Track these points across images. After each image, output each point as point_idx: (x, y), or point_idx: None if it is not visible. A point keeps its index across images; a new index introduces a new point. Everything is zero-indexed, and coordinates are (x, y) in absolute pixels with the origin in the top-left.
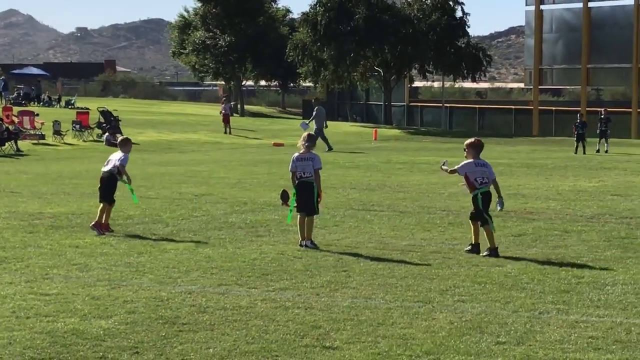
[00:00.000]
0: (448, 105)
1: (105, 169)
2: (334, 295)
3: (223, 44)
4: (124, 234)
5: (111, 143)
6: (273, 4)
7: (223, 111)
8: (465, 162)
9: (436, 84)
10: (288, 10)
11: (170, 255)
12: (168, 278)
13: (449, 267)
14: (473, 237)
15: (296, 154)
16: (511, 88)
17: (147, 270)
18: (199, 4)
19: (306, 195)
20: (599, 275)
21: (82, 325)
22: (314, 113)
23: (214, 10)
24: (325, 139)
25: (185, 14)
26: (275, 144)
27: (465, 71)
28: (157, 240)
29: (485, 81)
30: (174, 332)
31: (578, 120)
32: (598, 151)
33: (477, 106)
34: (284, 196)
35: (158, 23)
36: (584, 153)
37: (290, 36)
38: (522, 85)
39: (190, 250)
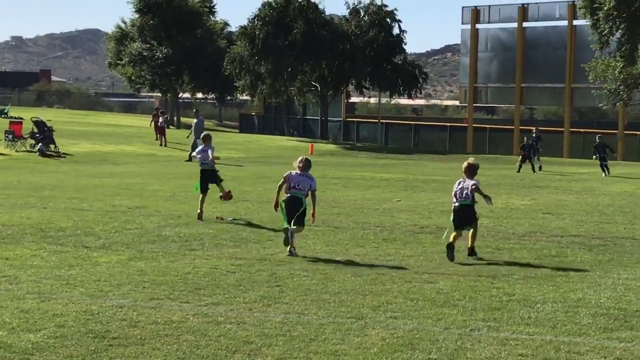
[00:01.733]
0: (384, 121)
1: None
2: (267, 311)
3: (160, 55)
4: (55, 246)
5: (44, 154)
6: (211, 16)
7: (159, 123)
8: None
9: (373, 100)
10: (226, 24)
11: (102, 269)
12: (99, 291)
13: (382, 283)
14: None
15: (294, 172)
16: (446, 105)
17: (78, 283)
18: (137, 15)
19: (295, 208)
20: (529, 293)
21: (9, 339)
22: (192, 126)
23: (151, 21)
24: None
25: (123, 24)
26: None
27: (401, 88)
28: (89, 253)
29: (421, 98)
30: (103, 346)
31: (534, 136)
32: (540, 168)
33: (412, 122)
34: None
35: (95, 33)
36: (540, 169)
37: (227, 49)
38: (457, 102)
39: (122, 263)
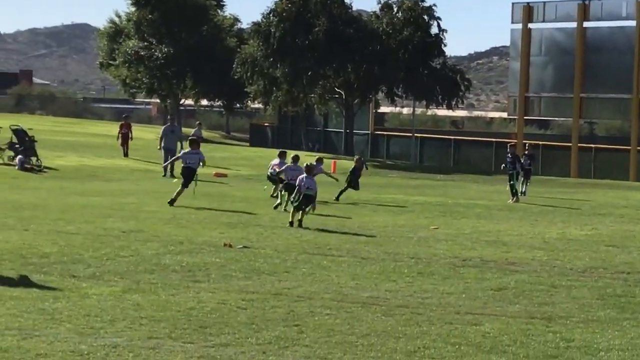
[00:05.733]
0: (419, 135)
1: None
2: (284, 354)
3: (159, 55)
4: (38, 275)
5: (25, 167)
6: (219, 11)
7: (122, 133)
8: None
9: (405, 110)
10: (236, 19)
11: (92, 302)
12: (89, 328)
13: (417, 324)
14: None
15: (287, 165)
16: (492, 118)
17: (65, 318)
18: (133, 9)
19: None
20: (591, 339)
21: None
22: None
23: (149, 16)
24: (165, 164)
25: (117, 19)
26: (217, 174)
27: (439, 96)
28: (77, 283)
29: (463, 109)
30: None
31: (527, 154)
32: (523, 193)
33: (452, 137)
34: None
35: (84, 29)
36: (523, 194)
37: (238, 49)
38: (504, 114)
39: (115, 296)
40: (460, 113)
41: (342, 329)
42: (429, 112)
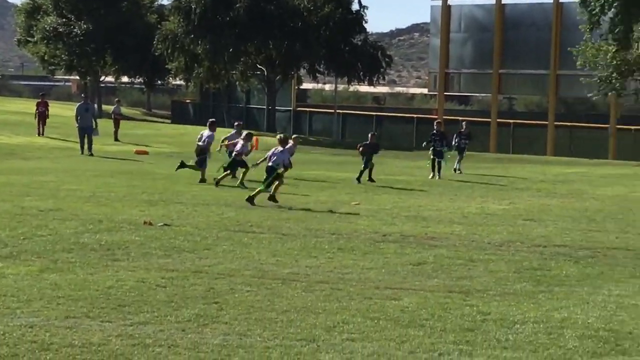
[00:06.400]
0: (341, 111)
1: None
2: (203, 332)
3: (78, 32)
4: None
5: None
6: None
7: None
8: None
9: (328, 87)
10: None
11: (9, 282)
12: (5, 308)
13: (337, 299)
14: None
15: (274, 149)
16: (413, 94)
17: None
18: None
19: (269, 175)
20: (507, 312)
21: None
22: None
23: None
24: (81, 141)
25: None
26: (138, 152)
27: (361, 73)
28: None
29: (384, 85)
30: None
31: (464, 131)
32: (458, 170)
33: (374, 113)
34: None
35: (1, 5)
36: (457, 172)
37: (158, 26)
38: (425, 91)
39: (32, 275)
40: (382, 89)
41: (262, 305)
42: (351, 89)
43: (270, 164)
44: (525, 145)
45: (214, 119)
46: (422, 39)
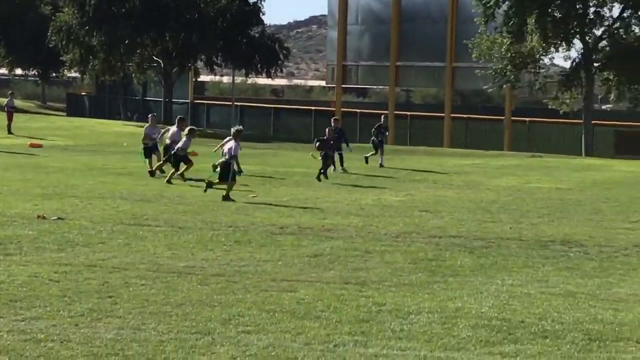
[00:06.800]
0: (239, 103)
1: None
2: (96, 326)
3: None
4: None
5: None
6: None
7: None
8: None
9: (226, 79)
10: None
11: None
12: None
13: (233, 292)
14: None
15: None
16: (311, 86)
17: None
18: None
19: (225, 170)
20: (402, 302)
21: None
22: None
23: None
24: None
25: None
26: (32, 145)
27: (259, 65)
28: None
29: (283, 77)
30: None
31: (383, 124)
32: (380, 165)
33: (272, 106)
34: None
35: None
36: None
37: (52, 17)
38: (323, 83)
39: None
40: (280, 82)
41: (157, 299)
42: (250, 81)
43: (226, 158)
44: (422, 137)
45: (193, 127)
46: (320, 31)
